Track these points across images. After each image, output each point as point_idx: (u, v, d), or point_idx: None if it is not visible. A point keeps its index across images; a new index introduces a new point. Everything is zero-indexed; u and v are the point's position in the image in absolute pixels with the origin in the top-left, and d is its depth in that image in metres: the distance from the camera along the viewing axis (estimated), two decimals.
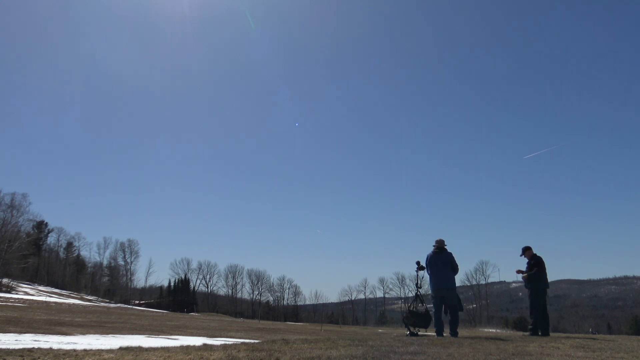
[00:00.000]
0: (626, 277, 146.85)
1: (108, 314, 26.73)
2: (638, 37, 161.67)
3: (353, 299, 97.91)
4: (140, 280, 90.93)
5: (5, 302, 31.81)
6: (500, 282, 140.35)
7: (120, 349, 4.99)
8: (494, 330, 44.04)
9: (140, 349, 4.93)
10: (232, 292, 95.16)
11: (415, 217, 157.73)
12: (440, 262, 8.51)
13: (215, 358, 4.13)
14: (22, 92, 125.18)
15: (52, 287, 67.92)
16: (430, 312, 8.71)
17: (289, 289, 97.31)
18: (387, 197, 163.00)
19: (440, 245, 8.66)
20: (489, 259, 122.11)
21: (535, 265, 9.26)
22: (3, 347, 5.54)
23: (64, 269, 79.88)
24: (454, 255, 8.64)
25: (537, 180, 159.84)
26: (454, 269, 8.57)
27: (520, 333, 20.32)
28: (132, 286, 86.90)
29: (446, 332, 8.40)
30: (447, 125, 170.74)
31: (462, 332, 8.42)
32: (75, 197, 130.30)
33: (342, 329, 37.88)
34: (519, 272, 9.52)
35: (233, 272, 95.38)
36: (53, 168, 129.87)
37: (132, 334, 11.30)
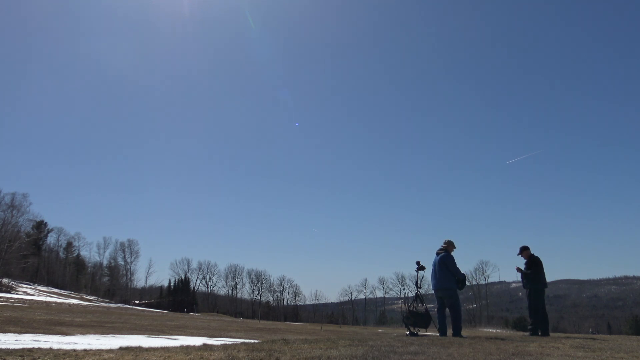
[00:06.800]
0: (626, 277, 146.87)
1: (108, 314, 26.72)
2: (633, 39, 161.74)
3: (353, 299, 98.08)
4: (140, 280, 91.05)
5: (5, 302, 31.81)
6: (500, 282, 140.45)
7: (120, 349, 4.99)
8: (494, 330, 44.05)
9: (140, 349, 4.93)
10: (232, 292, 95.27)
11: (415, 217, 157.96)
12: (437, 262, 8.57)
13: (215, 358, 4.13)
14: (22, 92, 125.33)
15: (52, 287, 67.88)
16: (431, 313, 8.73)
17: (289, 289, 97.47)
18: (387, 197, 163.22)
19: (444, 247, 8.71)
20: (489, 259, 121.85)
21: (533, 266, 9.26)
22: (3, 347, 5.54)
23: (64, 269, 79.84)
24: (454, 257, 8.62)
25: (537, 180, 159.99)
26: (449, 269, 8.44)
27: (520, 333, 20.33)
28: (132, 286, 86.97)
29: (448, 334, 8.38)
30: (447, 125, 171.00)
31: (462, 332, 8.40)
32: (75, 197, 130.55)
33: (342, 329, 37.88)
34: (518, 269, 9.53)
35: (233, 272, 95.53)
36: (53, 168, 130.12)
37: (132, 334, 11.30)
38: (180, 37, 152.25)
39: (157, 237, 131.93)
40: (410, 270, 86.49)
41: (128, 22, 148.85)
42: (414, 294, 9.08)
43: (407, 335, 8.35)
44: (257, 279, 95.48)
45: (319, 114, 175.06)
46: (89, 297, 66.51)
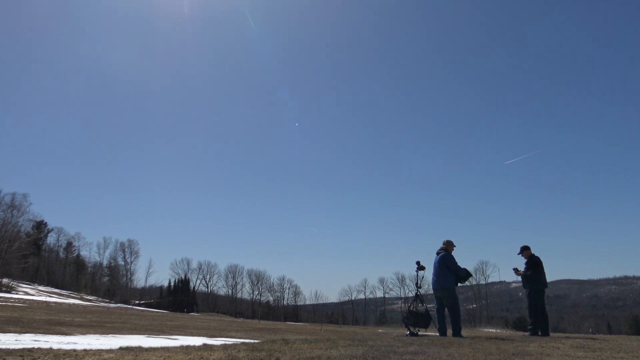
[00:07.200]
0: (626, 277, 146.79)
1: (108, 314, 26.72)
2: (633, 39, 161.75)
3: (353, 299, 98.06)
4: (140, 280, 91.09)
5: (5, 302, 31.80)
6: (500, 282, 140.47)
7: (120, 349, 4.99)
8: (494, 330, 44.01)
9: (140, 349, 4.93)
10: (232, 292, 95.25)
11: (415, 217, 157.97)
12: (437, 262, 8.59)
13: (215, 358, 4.13)
14: (22, 92, 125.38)
15: (52, 287, 67.88)
16: (431, 313, 8.73)
17: (289, 289, 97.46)
18: (387, 197, 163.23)
19: (444, 247, 8.75)
20: (489, 259, 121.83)
21: (532, 266, 9.25)
22: (3, 347, 5.54)
23: (64, 269, 79.85)
24: (454, 256, 8.64)
25: (537, 180, 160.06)
26: (450, 269, 8.45)
27: (520, 333, 20.30)
28: (132, 286, 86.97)
29: (448, 334, 8.39)
30: (447, 125, 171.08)
31: (462, 332, 8.40)
32: (75, 197, 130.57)
33: (342, 329, 37.86)
34: (517, 272, 9.51)
35: (233, 272, 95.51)
36: (53, 168, 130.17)
37: (132, 334, 11.29)
38: (180, 37, 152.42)
39: (157, 237, 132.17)
40: (410, 270, 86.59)
41: (128, 22, 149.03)
42: (414, 294, 9.08)
43: (407, 335, 8.35)
44: (257, 279, 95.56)
45: (319, 114, 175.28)
46: (89, 297, 66.50)
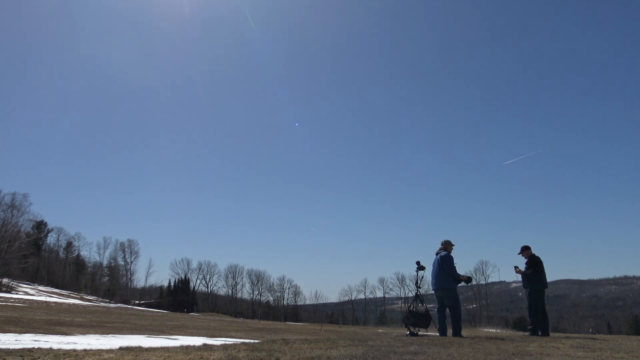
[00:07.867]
0: (626, 277, 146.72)
1: (108, 314, 26.72)
2: (633, 38, 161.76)
3: (353, 299, 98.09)
4: (140, 280, 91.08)
5: (5, 302, 31.80)
6: (500, 282, 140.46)
7: (120, 349, 4.99)
8: (494, 330, 44.03)
9: (140, 349, 4.93)
10: (232, 292, 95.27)
11: (415, 217, 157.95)
12: (437, 262, 8.59)
13: (215, 358, 4.13)
14: (22, 92, 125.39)
15: (52, 287, 67.88)
16: (431, 313, 8.74)
17: (289, 289, 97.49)
18: (387, 196, 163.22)
19: (442, 247, 8.74)
20: (489, 259, 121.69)
21: (533, 266, 9.25)
22: (3, 347, 5.54)
23: (64, 269, 79.87)
24: (453, 257, 8.62)
25: (537, 180, 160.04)
26: (444, 269, 8.39)
27: (520, 333, 20.30)
28: (132, 286, 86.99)
29: (448, 334, 8.38)
30: (447, 125, 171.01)
31: (462, 332, 8.40)
32: (75, 197, 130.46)
33: (342, 329, 37.84)
34: (517, 270, 9.52)
35: (233, 272, 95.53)
36: (53, 168, 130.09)
37: (132, 334, 11.29)
38: (180, 37, 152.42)
39: (157, 237, 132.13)
40: (410, 270, 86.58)
41: (128, 22, 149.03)
42: (414, 294, 9.07)
43: (407, 335, 8.35)
44: (257, 279, 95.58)
45: (319, 114, 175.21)
46: (89, 297, 66.50)
